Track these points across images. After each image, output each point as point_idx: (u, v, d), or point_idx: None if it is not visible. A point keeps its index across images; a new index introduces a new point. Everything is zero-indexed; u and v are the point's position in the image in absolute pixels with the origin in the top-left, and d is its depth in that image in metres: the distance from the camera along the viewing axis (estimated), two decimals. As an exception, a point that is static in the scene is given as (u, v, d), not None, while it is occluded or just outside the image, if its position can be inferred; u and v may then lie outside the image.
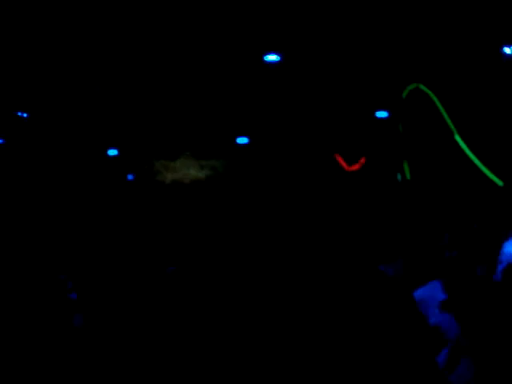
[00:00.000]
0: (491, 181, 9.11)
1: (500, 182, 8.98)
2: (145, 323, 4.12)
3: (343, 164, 10.92)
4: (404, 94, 10.50)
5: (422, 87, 10.31)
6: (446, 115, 9.86)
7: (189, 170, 11.46)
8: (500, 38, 9.73)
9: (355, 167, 10.90)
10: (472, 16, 9.54)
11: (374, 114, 11.35)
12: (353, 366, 3.75)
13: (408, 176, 10.25)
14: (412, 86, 10.36)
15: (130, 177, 11.41)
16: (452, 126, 9.81)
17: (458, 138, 9.79)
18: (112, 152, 11.66)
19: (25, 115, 11.14)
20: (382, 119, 11.39)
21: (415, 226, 8.83)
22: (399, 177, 10.40)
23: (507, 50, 9.71)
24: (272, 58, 10.79)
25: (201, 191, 11.26)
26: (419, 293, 4.40)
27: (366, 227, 9.11)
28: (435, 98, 10.04)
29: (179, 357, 3.59)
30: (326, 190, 10.60)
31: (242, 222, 10.05)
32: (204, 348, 3.60)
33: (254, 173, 11.39)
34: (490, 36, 9.70)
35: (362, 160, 10.90)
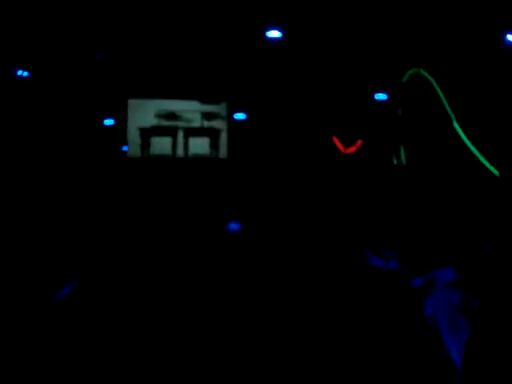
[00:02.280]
0: (488, 170, 9.10)
1: (496, 172, 8.97)
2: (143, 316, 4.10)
3: (339, 146, 10.88)
4: (404, 78, 10.44)
5: (423, 72, 10.26)
6: (445, 102, 9.82)
7: (186, 147, 11.42)
8: (503, 25, 9.65)
9: (351, 149, 10.87)
10: (475, 2, 9.46)
11: (373, 96, 11.30)
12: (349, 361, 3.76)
13: (404, 161, 10.23)
14: (413, 71, 10.30)
15: (125, 148, 11.36)
16: (451, 113, 9.77)
17: (456, 125, 9.76)
18: (108, 122, 11.58)
19: (25, 74, 10.98)
20: (381, 102, 11.34)
21: (408, 213, 8.83)
22: (395, 161, 10.38)
23: (511, 38, 9.63)
24: (274, 34, 10.68)
25: (198, 168, 11.23)
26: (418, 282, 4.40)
27: (358, 211, 9.10)
28: (436, 84, 9.99)
29: (177, 354, 3.57)
30: (322, 172, 10.58)
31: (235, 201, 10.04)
32: (202, 345, 3.59)
33: (249, 151, 11.35)
34: (494, 23, 9.61)
35: (359, 143, 10.86)
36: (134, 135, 11.29)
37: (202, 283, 4.78)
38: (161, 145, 11.36)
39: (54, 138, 10.81)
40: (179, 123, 11.45)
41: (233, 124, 11.55)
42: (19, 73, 10.89)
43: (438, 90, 9.91)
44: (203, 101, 11.43)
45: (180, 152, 11.40)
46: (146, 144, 11.30)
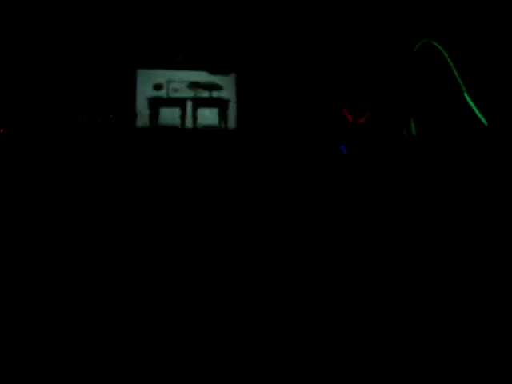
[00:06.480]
0: (497, 138, 9.09)
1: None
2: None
3: (348, 117, 10.85)
4: (414, 48, 10.38)
5: (433, 42, 10.20)
6: (456, 72, 9.78)
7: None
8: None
9: (361, 120, 10.85)
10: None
11: (383, 67, 11.23)
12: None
13: (414, 131, 10.21)
14: (423, 41, 10.24)
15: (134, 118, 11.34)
16: (462, 84, 9.73)
17: (466, 95, 9.73)
18: (117, 92, 11.54)
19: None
20: (390, 73, 11.27)
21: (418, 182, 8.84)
22: (405, 132, 10.37)
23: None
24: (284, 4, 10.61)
25: (207, 139, 11.22)
26: None
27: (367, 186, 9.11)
28: (446, 54, 9.94)
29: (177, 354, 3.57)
30: (331, 143, 10.57)
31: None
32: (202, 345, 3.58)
33: (258, 121, 11.33)
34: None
35: (368, 114, 10.83)
36: (142, 105, 11.28)
37: (207, 260, 4.81)
38: (170, 115, 11.36)
39: (62, 108, 10.81)
40: (188, 94, 11.43)
41: (242, 95, 11.53)
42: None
43: (449, 60, 9.86)
44: (212, 71, 11.41)
45: (189, 123, 11.40)
46: (154, 114, 11.30)
